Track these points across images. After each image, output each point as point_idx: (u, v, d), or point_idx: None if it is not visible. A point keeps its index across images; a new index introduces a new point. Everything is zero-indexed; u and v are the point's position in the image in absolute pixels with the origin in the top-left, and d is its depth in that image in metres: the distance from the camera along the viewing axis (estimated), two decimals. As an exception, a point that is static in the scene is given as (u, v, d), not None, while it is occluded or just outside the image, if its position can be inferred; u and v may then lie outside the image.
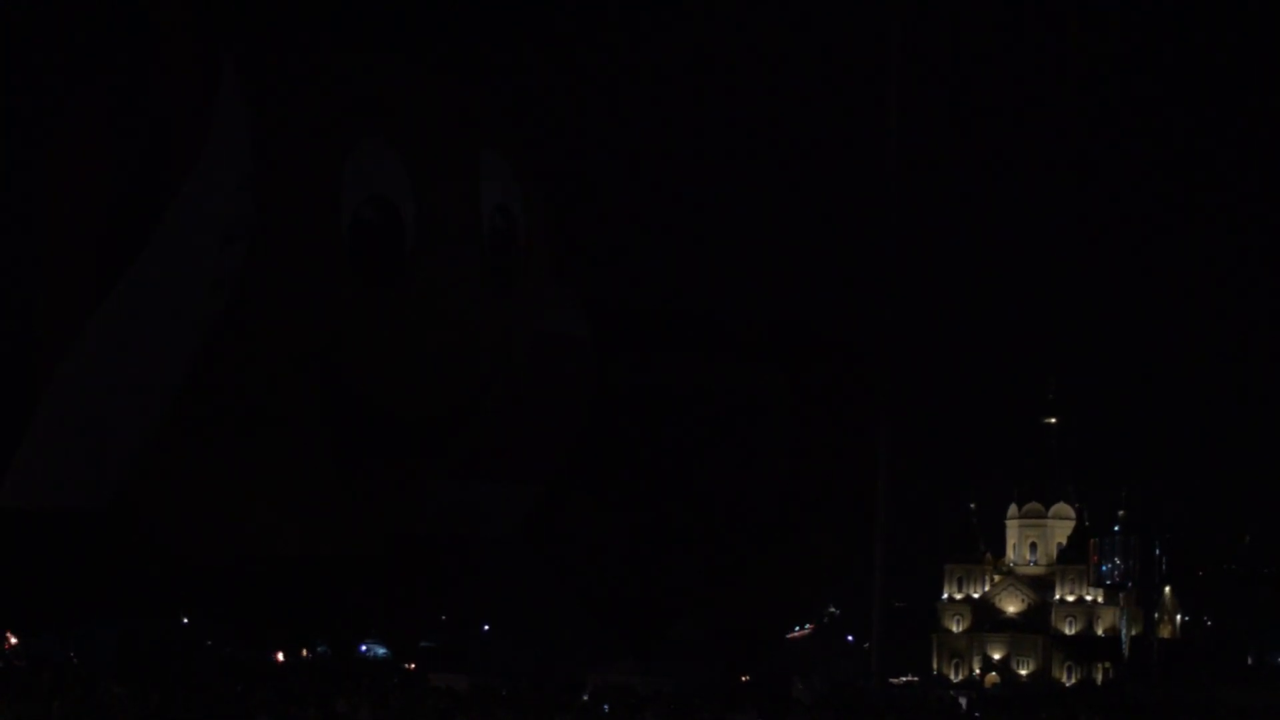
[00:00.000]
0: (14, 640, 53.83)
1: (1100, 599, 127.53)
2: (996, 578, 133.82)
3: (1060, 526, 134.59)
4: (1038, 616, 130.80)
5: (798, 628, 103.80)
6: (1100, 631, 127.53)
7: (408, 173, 38.54)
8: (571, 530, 55.27)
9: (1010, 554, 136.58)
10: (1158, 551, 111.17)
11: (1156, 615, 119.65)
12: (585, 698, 45.92)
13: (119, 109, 33.15)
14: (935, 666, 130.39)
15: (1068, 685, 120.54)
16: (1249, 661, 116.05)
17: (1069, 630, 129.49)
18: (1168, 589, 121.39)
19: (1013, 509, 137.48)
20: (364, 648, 72.41)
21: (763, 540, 55.86)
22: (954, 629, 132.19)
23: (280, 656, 52.80)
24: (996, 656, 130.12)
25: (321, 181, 37.48)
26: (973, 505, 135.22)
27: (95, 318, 32.95)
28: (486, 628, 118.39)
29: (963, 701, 65.08)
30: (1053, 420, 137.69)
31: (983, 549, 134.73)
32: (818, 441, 55.78)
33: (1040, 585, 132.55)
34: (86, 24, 33.00)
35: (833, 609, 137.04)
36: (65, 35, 32.80)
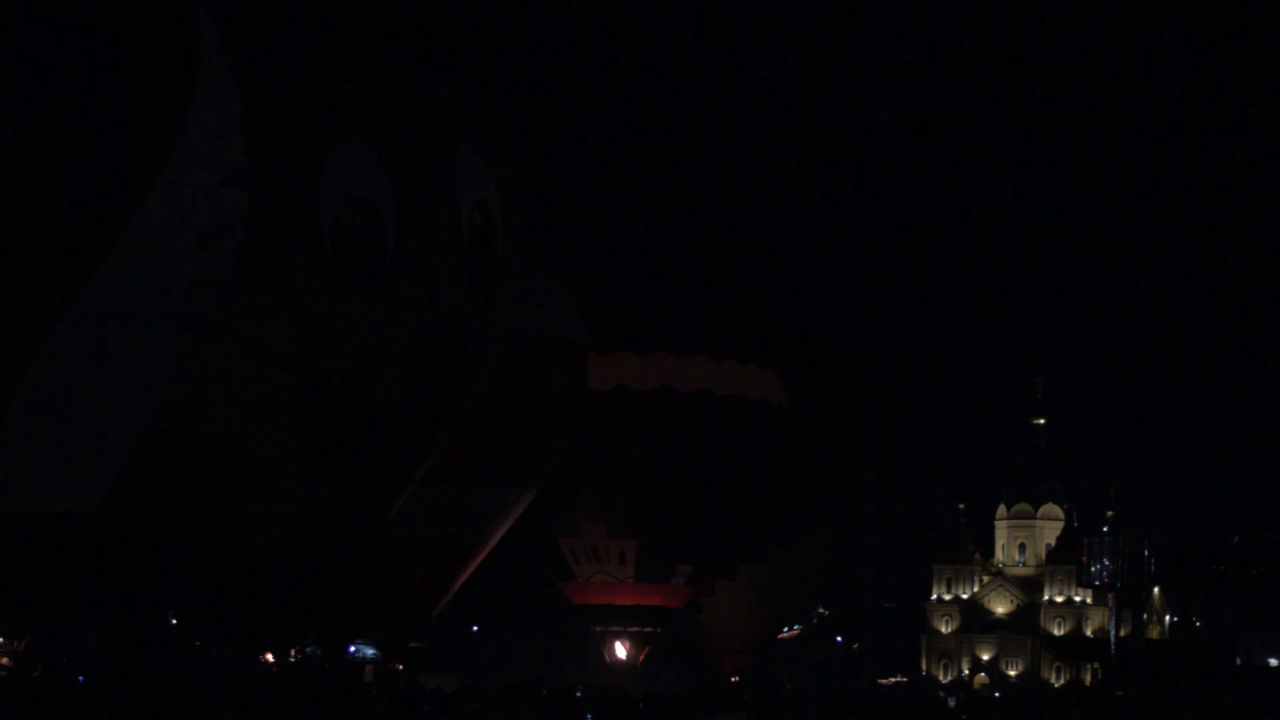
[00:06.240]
0: None
1: (1089, 600, 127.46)
2: (985, 578, 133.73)
3: (1049, 527, 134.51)
4: (1026, 617, 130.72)
5: (787, 628, 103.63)
6: (1089, 632, 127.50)
7: (386, 171, 38.45)
8: (568, 530, 55.24)
9: (999, 554, 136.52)
10: (1146, 552, 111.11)
11: (1145, 616, 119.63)
12: (578, 695, 45.87)
13: (88, 103, 32.76)
14: (924, 667, 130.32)
15: (1057, 686, 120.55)
16: (1238, 662, 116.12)
17: (1058, 631, 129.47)
18: (1156, 590, 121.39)
19: (1001, 509, 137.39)
20: (353, 648, 72.38)
21: (757, 541, 55.87)
22: (943, 630, 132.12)
23: (270, 657, 52.67)
24: (985, 657, 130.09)
25: (304, 182, 37.37)
26: (961, 506, 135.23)
27: (75, 318, 32.57)
28: (476, 629, 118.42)
29: (951, 702, 65.02)
30: (1041, 421, 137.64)
31: (971, 549, 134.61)
32: (812, 442, 55.82)
33: (1029, 586, 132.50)
34: (55, 15, 32.68)
35: (822, 610, 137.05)
36: (33, 26, 32.50)
